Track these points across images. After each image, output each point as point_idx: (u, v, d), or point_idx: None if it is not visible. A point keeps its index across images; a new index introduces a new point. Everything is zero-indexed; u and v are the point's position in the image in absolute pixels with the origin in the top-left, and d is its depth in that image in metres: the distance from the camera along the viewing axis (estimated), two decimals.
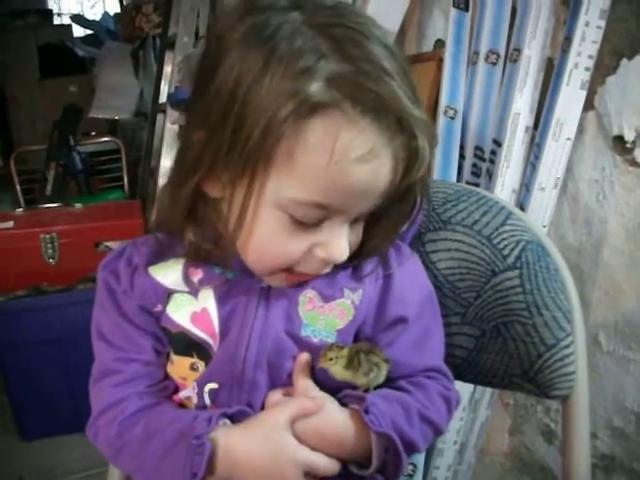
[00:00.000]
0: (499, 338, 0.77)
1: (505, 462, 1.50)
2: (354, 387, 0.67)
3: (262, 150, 0.57)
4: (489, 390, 1.32)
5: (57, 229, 2.14)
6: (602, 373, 1.20)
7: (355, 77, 0.56)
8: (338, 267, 0.69)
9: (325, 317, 0.68)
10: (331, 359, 0.65)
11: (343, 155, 0.56)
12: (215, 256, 0.68)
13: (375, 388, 0.68)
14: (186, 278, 0.69)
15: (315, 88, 0.55)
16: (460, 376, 0.81)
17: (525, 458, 1.44)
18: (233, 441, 0.63)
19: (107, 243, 2.13)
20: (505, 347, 0.77)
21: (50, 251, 2.11)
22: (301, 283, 0.69)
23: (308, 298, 0.68)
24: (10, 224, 2.18)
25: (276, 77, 0.56)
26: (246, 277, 0.69)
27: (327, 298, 0.69)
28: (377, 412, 0.63)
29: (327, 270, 0.66)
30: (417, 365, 0.71)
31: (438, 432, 0.70)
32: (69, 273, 2.05)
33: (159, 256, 0.71)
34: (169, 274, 0.70)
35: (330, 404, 0.65)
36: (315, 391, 0.66)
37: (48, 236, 2.11)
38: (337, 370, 0.65)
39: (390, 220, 0.68)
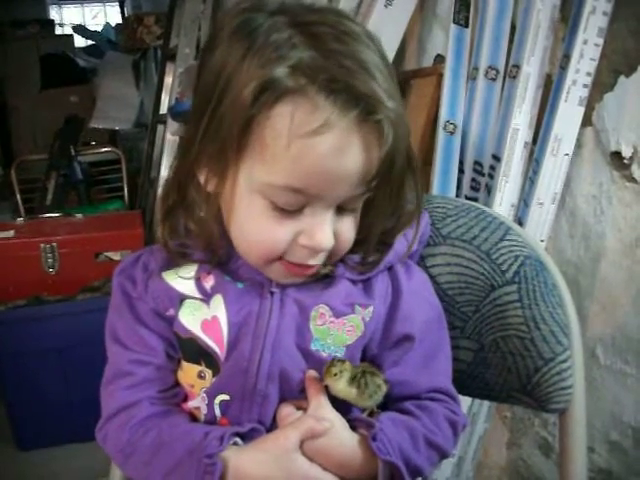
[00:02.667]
0: (497, 352, 0.78)
1: (502, 476, 1.50)
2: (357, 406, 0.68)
3: (233, 135, 0.61)
4: (487, 403, 1.33)
5: (57, 239, 2.14)
6: (599, 387, 1.20)
7: (319, 63, 0.59)
8: (349, 280, 0.71)
9: (335, 332, 0.69)
10: (335, 374, 0.65)
11: (298, 131, 0.59)
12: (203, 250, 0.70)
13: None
14: (198, 284, 0.70)
15: (280, 74, 0.59)
16: (459, 389, 0.82)
17: (522, 471, 1.44)
18: (244, 463, 0.64)
19: (107, 253, 2.13)
20: (503, 361, 0.78)
21: (50, 261, 2.12)
22: (313, 297, 0.69)
23: (320, 313, 0.69)
24: (11, 233, 2.18)
25: (250, 67, 0.60)
26: (256, 287, 0.70)
27: (338, 314, 0.69)
28: (385, 439, 0.64)
29: (317, 261, 0.67)
30: (423, 384, 0.71)
31: (444, 456, 0.71)
32: (69, 283, 2.06)
33: (174, 261, 0.72)
34: (182, 279, 0.71)
35: (339, 426, 0.66)
36: (327, 410, 0.66)
37: (48, 246, 2.12)
38: (341, 388, 0.66)
39: (377, 212, 0.69)
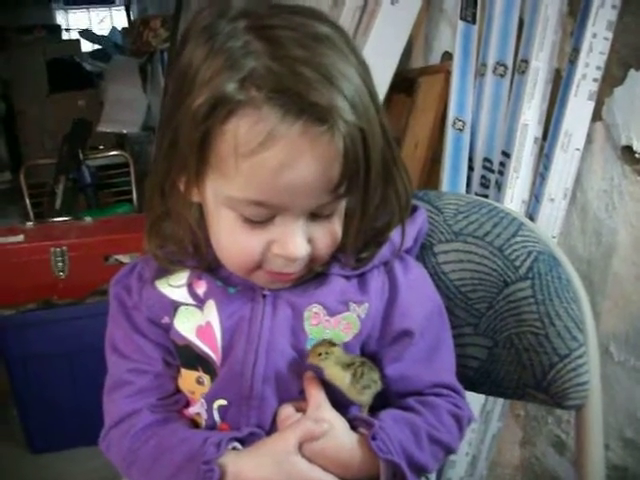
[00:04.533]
0: (512, 349, 0.78)
1: (516, 474, 1.49)
2: (348, 399, 0.67)
3: (191, 148, 0.59)
4: (500, 401, 1.32)
5: (67, 243, 2.14)
6: (613, 384, 1.19)
7: (270, 71, 0.57)
8: (342, 277, 0.70)
9: (331, 331, 0.68)
10: (320, 354, 0.64)
11: (244, 146, 0.57)
12: (195, 260, 0.70)
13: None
14: (191, 290, 0.70)
15: (230, 88, 0.57)
16: (473, 387, 0.82)
17: (536, 470, 1.43)
18: (243, 467, 0.63)
19: (117, 256, 2.13)
20: (518, 358, 0.77)
21: (60, 264, 2.12)
22: (306, 297, 0.69)
23: (314, 313, 0.68)
24: (20, 238, 2.18)
25: (205, 77, 0.58)
26: (248, 291, 0.69)
27: (333, 312, 0.69)
28: (385, 438, 0.63)
29: (294, 269, 0.65)
30: (426, 380, 0.71)
31: (449, 452, 0.70)
32: (79, 286, 2.05)
33: (166, 269, 0.72)
34: (174, 287, 0.71)
35: (339, 427, 0.65)
36: (326, 410, 0.66)
37: (58, 250, 2.11)
38: (334, 372, 0.65)
39: (359, 215, 0.67)
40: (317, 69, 0.57)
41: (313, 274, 0.70)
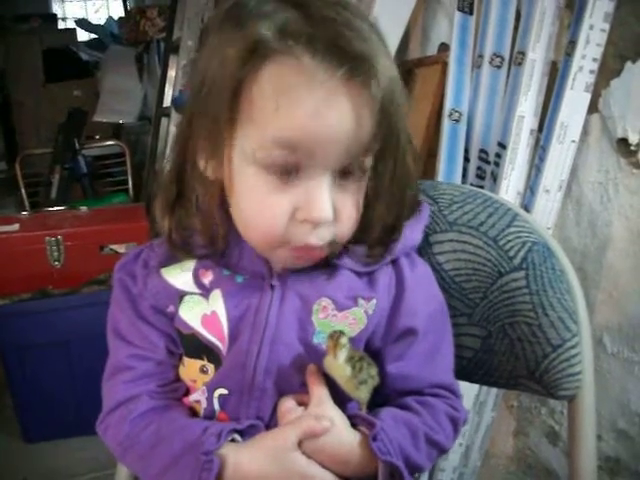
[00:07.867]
0: (505, 339, 0.78)
1: (510, 465, 1.50)
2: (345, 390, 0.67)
3: (223, 102, 0.60)
4: (494, 392, 1.33)
5: (62, 232, 2.14)
6: (606, 375, 1.20)
7: (305, 22, 0.58)
8: (353, 273, 0.70)
9: (337, 325, 0.68)
10: (342, 346, 0.64)
11: (284, 91, 0.58)
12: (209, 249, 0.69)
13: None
14: (196, 279, 0.70)
15: (266, 36, 0.58)
16: (466, 377, 0.82)
17: (530, 460, 1.44)
18: (243, 460, 0.63)
19: (112, 246, 2.13)
20: (511, 347, 0.77)
21: (55, 254, 2.11)
22: (316, 290, 0.68)
23: (322, 306, 0.68)
24: (16, 227, 2.18)
25: (236, 33, 0.60)
26: (256, 281, 0.69)
27: (341, 307, 0.68)
28: (385, 439, 0.63)
29: (320, 240, 0.64)
30: (426, 379, 0.71)
31: (443, 452, 0.70)
32: (74, 276, 2.05)
33: (173, 257, 0.71)
34: (180, 275, 0.71)
35: (340, 424, 0.65)
36: (328, 406, 0.66)
37: (53, 239, 2.11)
38: (339, 364, 0.64)
39: (381, 195, 0.68)
40: (349, 27, 0.59)
41: (324, 264, 0.69)
